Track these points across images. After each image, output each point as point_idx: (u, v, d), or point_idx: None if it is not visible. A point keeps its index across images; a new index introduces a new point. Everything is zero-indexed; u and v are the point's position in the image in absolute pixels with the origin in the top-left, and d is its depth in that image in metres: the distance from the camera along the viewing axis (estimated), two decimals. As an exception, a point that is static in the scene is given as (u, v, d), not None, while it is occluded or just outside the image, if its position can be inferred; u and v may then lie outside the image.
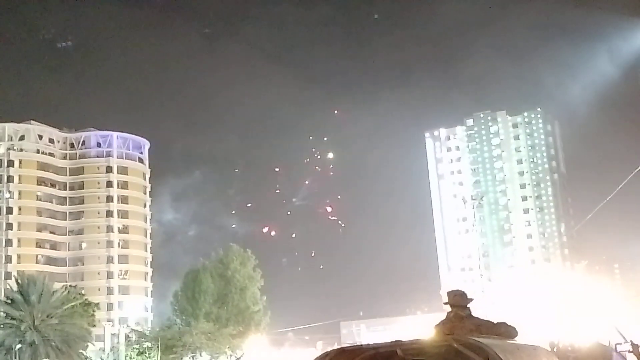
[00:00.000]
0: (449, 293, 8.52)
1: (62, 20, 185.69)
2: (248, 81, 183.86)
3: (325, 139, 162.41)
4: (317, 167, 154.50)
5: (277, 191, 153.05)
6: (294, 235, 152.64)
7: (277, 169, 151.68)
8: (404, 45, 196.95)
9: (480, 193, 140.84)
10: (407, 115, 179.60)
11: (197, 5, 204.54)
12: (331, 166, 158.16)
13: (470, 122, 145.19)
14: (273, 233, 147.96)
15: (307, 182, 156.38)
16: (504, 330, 8.16)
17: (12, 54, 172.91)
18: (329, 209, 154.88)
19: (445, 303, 8.48)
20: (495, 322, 8.30)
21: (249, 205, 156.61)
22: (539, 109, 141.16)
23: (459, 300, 8.35)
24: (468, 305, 8.38)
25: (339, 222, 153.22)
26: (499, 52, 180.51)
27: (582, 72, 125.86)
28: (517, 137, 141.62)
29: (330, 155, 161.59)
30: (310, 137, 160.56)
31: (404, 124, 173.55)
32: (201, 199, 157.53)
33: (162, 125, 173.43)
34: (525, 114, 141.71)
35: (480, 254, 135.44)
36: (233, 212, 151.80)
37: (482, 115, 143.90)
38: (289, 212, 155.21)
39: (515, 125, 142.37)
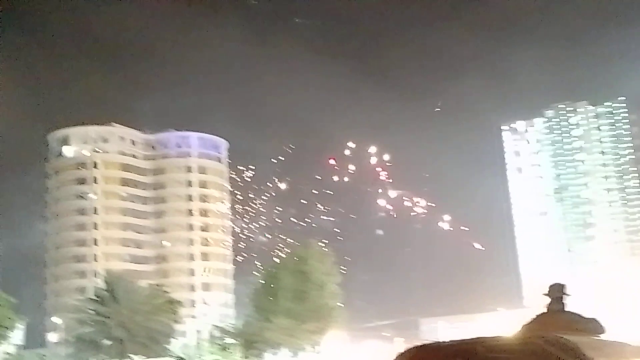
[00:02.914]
0: (551, 286, 8.37)
1: (128, 27, 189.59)
2: (304, 77, 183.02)
3: (393, 134, 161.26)
4: (387, 163, 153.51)
5: (345, 179, 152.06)
6: (375, 232, 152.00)
7: (350, 167, 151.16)
8: (469, 35, 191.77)
9: (561, 186, 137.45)
10: (482, 108, 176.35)
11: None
12: (405, 161, 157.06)
13: (549, 113, 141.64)
14: (351, 230, 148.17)
15: (380, 178, 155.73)
16: (593, 327, 7.97)
17: (89, 59, 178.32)
18: (406, 204, 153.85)
19: (545, 294, 8.33)
20: (586, 317, 8.12)
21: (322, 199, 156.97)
22: (622, 98, 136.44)
23: (554, 293, 8.20)
24: (564, 301, 8.22)
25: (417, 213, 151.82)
26: (577, 40, 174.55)
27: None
28: (599, 128, 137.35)
29: (402, 150, 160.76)
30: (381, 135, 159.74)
31: (479, 117, 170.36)
32: (278, 197, 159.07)
33: (232, 123, 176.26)
34: (608, 103, 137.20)
35: (562, 249, 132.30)
36: (310, 208, 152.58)
37: (561, 107, 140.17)
38: (365, 210, 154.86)
39: (596, 116, 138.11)
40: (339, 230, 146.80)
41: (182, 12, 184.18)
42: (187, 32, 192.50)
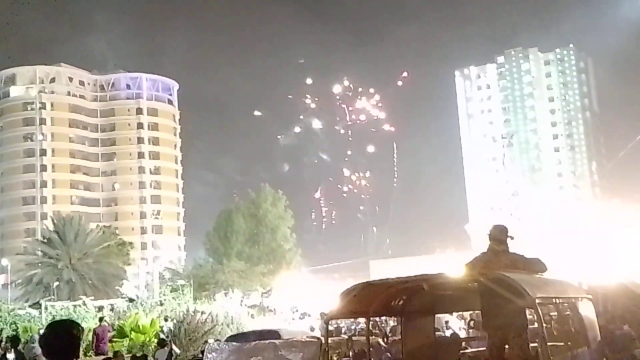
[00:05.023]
0: (493, 226, 8.62)
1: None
2: (258, 19, 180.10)
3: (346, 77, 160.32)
4: (342, 105, 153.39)
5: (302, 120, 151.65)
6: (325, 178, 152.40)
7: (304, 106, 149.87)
8: None
9: (510, 132, 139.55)
10: (435, 53, 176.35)
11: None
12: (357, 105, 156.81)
13: (501, 59, 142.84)
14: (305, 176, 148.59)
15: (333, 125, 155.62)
16: (536, 266, 8.27)
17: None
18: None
19: (487, 235, 8.57)
20: (528, 257, 8.40)
21: (278, 139, 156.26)
22: (571, 46, 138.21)
23: (497, 234, 8.44)
24: (507, 242, 8.47)
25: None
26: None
27: (615, 6, 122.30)
28: (548, 75, 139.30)
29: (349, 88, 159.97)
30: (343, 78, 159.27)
31: (432, 62, 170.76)
32: (231, 141, 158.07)
33: (185, 66, 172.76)
34: (558, 50, 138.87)
35: (510, 193, 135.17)
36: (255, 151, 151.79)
37: (513, 53, 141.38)
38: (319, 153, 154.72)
39: (547, 63, 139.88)
40: (292, 176, 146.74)
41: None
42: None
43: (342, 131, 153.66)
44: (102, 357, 21.53)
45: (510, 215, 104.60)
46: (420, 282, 8.09)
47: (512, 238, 8.55)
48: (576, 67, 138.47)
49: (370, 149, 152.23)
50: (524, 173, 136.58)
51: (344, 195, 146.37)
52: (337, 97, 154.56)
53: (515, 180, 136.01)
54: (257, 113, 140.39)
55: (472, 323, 21.27)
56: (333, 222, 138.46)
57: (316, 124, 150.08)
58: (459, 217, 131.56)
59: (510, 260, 8.26)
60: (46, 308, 32.83)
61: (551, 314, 9.10)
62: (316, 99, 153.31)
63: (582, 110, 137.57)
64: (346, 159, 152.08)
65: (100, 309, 34.12)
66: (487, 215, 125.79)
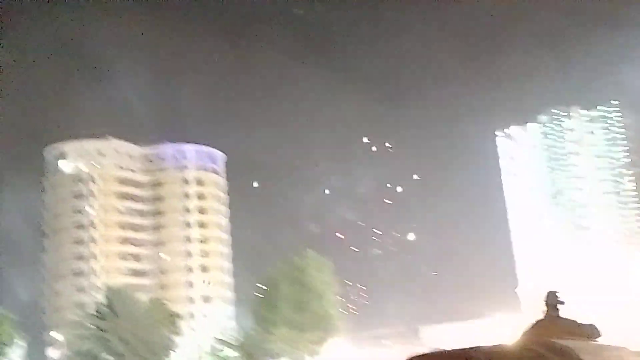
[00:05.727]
0: (548, 293, 8.71)
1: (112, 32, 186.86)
2: (288, 87, 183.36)
3: (384, 142, 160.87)
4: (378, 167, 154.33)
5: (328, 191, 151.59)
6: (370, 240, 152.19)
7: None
8: (458, 41, 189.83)
9: (556, 190, 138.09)
10: (475, 114, 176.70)
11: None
12: (398, 169, 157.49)
13: (543, 118, 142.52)
14: (342, 237, 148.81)
15: (370, 189, 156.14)
16: (590, 331, 8.29)
17: (80, 72, 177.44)
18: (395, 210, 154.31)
19: (543, 301, 8.66)
20: (582, 323, 8.44)
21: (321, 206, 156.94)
22: (614, 102, 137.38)
23: (551, 299, 8.54)
24: (558, 307, 8.55)
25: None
26: (567, 45, 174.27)
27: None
28: (592, 132, 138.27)
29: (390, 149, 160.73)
30: (366, 139, 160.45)
31: (473, 123, 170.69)
32: (277, 205, 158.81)
33: (230, 135, 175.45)
34: (600, 107, 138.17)
35: (558, 253, 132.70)
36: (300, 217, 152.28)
37: (555, 112, 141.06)
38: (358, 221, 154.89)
39: (590, 120, 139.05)
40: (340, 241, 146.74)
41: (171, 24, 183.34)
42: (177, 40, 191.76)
43: (382, 193, 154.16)
44: None
45: (559, 276, 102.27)
46: (476, 352, 8.19)
47: (562, 303, 8.63)
48: (622, 123, 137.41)
49: (409, 210, 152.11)
50: (570, 231, 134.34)
51: (381, 257, 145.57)
52: (373, 158, 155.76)
53: (562, 239, 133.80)
54: (255, 184, 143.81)
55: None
56: (363, 289, 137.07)
57: (352, 184, 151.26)
58: (507, 279, 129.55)
59: (565, 327, 8.31)
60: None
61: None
62: (347, 159, 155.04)
63: (630, 166, 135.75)
64: (385, 219, 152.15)
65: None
66: (535, 276, 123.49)
